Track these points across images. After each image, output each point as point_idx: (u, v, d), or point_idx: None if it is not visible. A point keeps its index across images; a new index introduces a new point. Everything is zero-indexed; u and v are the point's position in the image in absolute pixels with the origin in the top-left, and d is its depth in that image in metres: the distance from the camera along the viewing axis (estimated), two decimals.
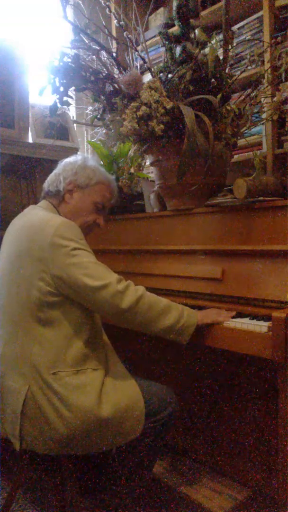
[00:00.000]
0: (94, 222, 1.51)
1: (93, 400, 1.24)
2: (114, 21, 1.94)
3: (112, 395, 1.28)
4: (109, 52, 1.74)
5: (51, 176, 1.51)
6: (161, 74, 1.71)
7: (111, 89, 1.69)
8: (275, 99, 1.62)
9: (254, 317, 1.30)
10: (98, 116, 1.77)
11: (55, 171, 1.51)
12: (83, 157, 1.54)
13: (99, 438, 1.26)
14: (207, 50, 1.63)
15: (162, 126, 1.54)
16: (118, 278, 1.28)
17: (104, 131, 1.92)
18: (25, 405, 1.25)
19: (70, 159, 1.53)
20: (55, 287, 1.27)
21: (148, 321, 1.29)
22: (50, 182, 1.50)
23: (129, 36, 1.82)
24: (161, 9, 2.68)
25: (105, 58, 1.74)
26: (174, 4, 1.67)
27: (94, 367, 1.30)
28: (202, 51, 1.63)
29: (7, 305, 1.35)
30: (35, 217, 1.40)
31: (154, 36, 2.57)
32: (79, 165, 1.49)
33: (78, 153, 1.57)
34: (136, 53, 1.82)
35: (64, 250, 1.27)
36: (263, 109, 1.70)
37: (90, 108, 1.85)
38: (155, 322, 1.29)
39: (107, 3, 1.82)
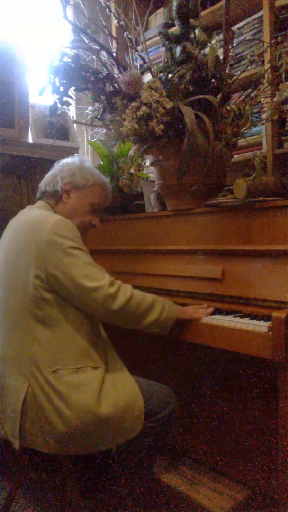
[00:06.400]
0: (90, 223, 1.52)
1: (93, 399, 1.24)
2: (114, 21, 1.93)
3: (112, 394, 1.28)
4: (109, 52, 1.74)
5: (47, 176, 1.52)
6: (161, 74, 1.71)
7: (111, 89, 1.69)
8: (275, 99, 1.62)
9: (254, 317, 1.30)
10: (98, 116, 1.77)
11: (51, 171, 1.52)
12: (80, 158, 1.56)
13: (99, 437, 1.26)
14: (207, 50, 1.63)
15: (162, 126, 1.54)
16: (110, 281, 1.30)
17: (104, 131, 1.92)
18: (25, 404, 1.26)
19: (67, 160, 1.54)
20: (49, 284, 1.28)
21: (134, 319, 1.34)
22: (47, 182, 1.51)
23: (129, 36, 1.82)
24: (161, 9, 2.67)
25: (105, 58, 1.75)
26: (174, 4, 1.67)
27: (94, 365, 1.30)
28: (202, 51, 1.63)
29: (5, 304, 1.35)
30: (33, 215, 1.42)
31: (154, 36, 2.56)
32: (77, 166, 1.50)
33: (76, 154, 1.58)
34: (136, 53, 1.82)
35: (60, 247, 1.28)
36: (263, 109, 1.70)
37: (90, 108, 1.85)
38: (141, 319, 1.33)
39: (107, 3, 1.82)
